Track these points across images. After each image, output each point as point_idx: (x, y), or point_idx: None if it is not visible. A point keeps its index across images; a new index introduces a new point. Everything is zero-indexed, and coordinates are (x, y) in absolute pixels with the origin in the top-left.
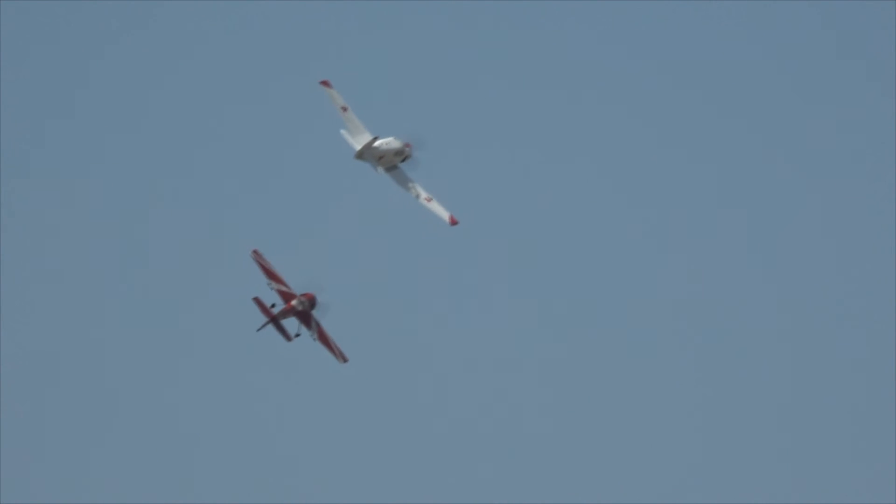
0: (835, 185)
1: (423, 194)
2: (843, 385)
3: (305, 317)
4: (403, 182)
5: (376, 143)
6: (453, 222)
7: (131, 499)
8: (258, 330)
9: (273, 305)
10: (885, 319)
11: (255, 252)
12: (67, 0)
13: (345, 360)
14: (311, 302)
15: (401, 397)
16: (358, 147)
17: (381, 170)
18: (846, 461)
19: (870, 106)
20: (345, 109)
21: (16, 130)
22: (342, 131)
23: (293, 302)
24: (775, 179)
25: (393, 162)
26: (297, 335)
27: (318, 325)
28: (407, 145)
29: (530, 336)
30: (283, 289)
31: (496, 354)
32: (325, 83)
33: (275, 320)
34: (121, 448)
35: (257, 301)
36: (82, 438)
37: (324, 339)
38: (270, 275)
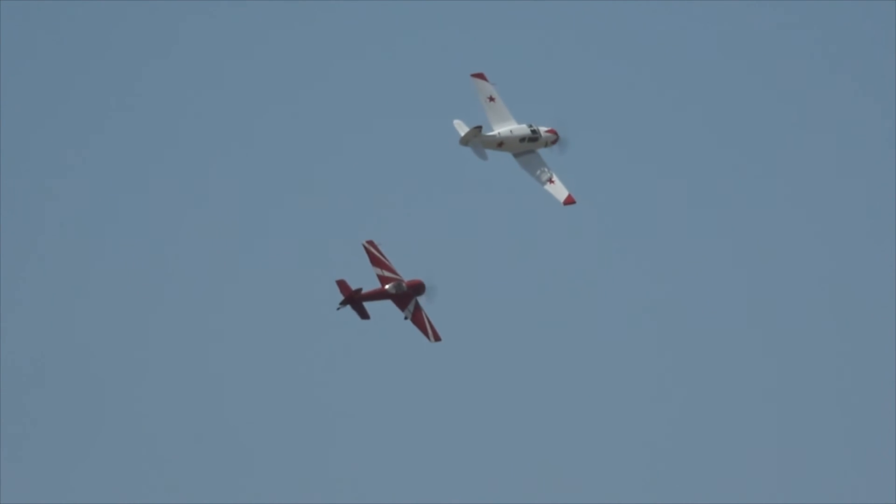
0: (833, 186)
1: (549, 177)
2: (844, 385)
3: (403, 300)
4: (532, 166)
5: (498, 131)
6: (568, 202)
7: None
8: (337, 309)
9: (360, 289)
10: (886, 320)
11: (369, 242)
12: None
13: (437, 338)
14: (417, 288)
15: (497, 381)
16: (462, 133)
17: (485, 153)
18: (846, 461)
19: (869, 106)
20: (492, 100)
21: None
22: (455, 121)
23: (387, 286)
24: (771, 179)
25: (523, 148)
26: (407, 318)
27: (417, 307)
28: (549, 131)
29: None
30: (388, 275)
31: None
32: (479, 75)
33: (353, 300)
34: (134, 446)
35: (340, 283)
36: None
37: (419, 320)
38: (378, 261)
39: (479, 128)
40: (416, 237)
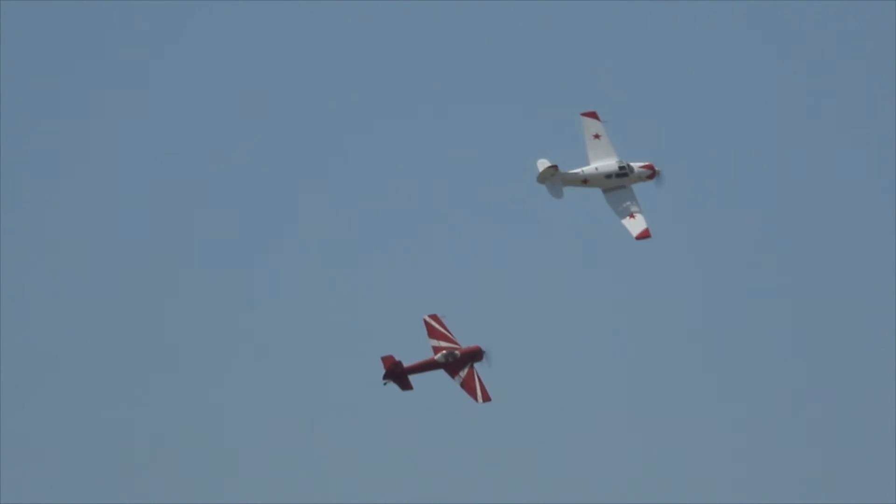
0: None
1: (632, 212)
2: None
3: (455, 367)
4: (618, 201)
5: (581, 169)
6: (642, 236)
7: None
8: (383, 384)
9: (400, 363)
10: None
11: (432, 316)
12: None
13: (487, 399)
14: (474, 355)
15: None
16: (541, 170)
17: (561, 191)
18: (846, 461)
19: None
20: (597, 137)
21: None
22: (540, 160)
23: (436, 356)
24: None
25: (611, 184)
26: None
27: (470, 372)
28: (645, 166)
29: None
30: (445, 345)
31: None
32: (590, 114)
33: (396, 375)
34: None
35: (385, 359)
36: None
37: (469, 384)
38: (436, 334)
39: (555, 167)
40: (476, 281)
